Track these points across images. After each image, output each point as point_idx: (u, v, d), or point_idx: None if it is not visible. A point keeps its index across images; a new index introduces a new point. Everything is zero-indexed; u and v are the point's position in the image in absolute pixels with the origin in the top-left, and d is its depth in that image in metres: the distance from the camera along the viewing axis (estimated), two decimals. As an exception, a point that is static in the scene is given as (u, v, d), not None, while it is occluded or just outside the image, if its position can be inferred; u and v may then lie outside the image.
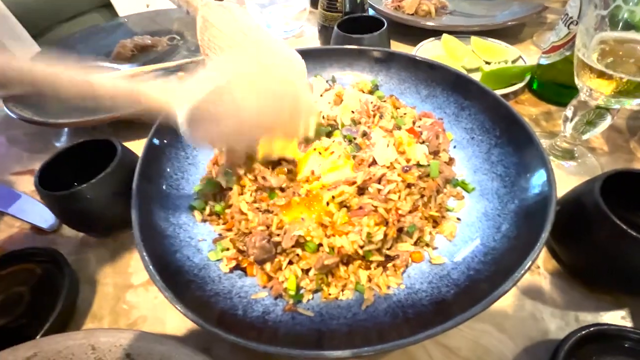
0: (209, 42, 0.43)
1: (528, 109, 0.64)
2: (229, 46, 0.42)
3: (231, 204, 0.43)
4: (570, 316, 0.38)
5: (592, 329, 0.33)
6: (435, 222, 0.42)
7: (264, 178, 0.41)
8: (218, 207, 0.45)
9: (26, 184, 0.60)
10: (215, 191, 0.47)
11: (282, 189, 0.41)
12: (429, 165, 0.43)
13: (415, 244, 0.40)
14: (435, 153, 0.47)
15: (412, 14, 0.87)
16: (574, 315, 0.38)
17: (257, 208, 0.42)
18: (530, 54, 0.74)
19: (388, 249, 0.38)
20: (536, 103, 0.65)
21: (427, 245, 0.40)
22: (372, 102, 0.49)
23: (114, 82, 0.32)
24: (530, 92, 0.67)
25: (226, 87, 0.34)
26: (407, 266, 0.38)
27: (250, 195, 0.42)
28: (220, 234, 0.43)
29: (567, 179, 0.51)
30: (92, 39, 0.88)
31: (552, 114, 0.63)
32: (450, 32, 0.76)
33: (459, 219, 0.44)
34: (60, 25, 1.11)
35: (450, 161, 0.49)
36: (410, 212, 0.39)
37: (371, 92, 0.58)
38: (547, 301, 0.40)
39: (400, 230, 0.39)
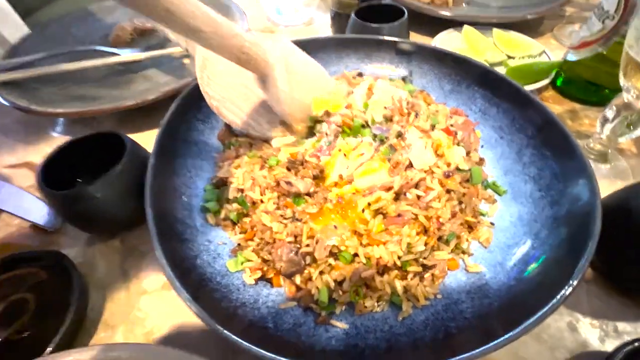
0: (208, 80, 0.45)
1: (552, 107, 0.62)
2: (228, 84, 0.46)
3: (249, 213, 0.40)
4: (609, 326, 0.37)
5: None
6: (470, 228, 0.40)
7: (288, 183, 0.38)
8: (233, 215, 0.42)
9: (23, 178, 0.56)
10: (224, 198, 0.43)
11: (309, 194, 0.38)
12: (469, 170, 0.40)
13: (452, 251, 0.38)
14: (467, 153, 0.45)
15: (429, 2, 0.83)
16: (612, 325, 0.37)
17: (282, 215, 0.39)
18: (551, 48, 0.71)
19: (424, 258, 0.36)
20: (560, 101, 0.63)
21: (464, 252, 0.38)
22: (405, 99, 0.46)
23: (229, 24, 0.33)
24: (553, 89, 0.65)
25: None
26: (444, 276, 0.37)
27: (273, 203, 0.39)
28: (239, 244, 0.40)
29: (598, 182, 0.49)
30: (87, 21, 0.82)
31: (578, 113, 0.61)
32: (468, 23, 0.73)
33: (492, 223, 0.42)
34: (50, 4, 1.03)
35: (481, 161, 0.47)
36: (449, 219, 0.37)
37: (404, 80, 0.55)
38: (584, 310, 0.38)
39: (439, 238, 0.37)
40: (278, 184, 0.40)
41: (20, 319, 0.38)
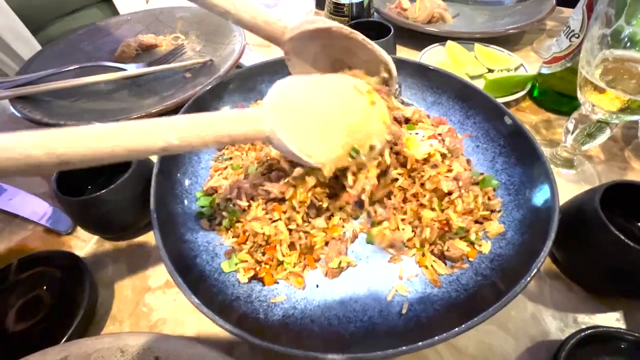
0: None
1: (529, 117, 0.67)
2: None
3: (241, 219, 0.45)
4: (569, 318, 0.41)
5: (590, 331, 0.35)
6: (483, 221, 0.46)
7: (266, 191, 0.43)
8: (226, 222, 0.45)
9: (36, 185, 0.60)
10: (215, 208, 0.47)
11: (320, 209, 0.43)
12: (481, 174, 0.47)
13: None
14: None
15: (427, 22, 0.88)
16: (572, 316, 0.41)
17: (270, 219, 0.43)
18: (530, 61, 0.76)
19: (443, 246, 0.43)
20: (536, 111, 0.68)
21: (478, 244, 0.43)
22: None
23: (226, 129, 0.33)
24: (530, 99, 0.69)
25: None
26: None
27: (262, 209, 0.44)
28: (232, 247, 0.44)
29: (566, 186, 0.53)
30: (95, 37, 0.88)
31: (552, 122, 0.65)
32: (453, 39, 0.78)
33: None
34: (59, 20, 1.09)
35: (468, 163, 0.51)
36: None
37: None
38: (547, 303, 0.42)
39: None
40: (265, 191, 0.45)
41: (38, 313, 0.42)
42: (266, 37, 0.43)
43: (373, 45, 0.43)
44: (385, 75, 0.44)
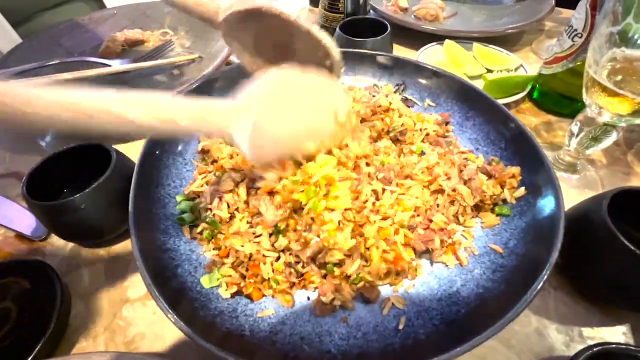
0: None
1: (529, 119, 0.65)
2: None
3: (222, 231, 0.41)
4: (575, 332, 0.39)
5: (599, 348, 0.33)
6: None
7: (259, 213, 0.40)
8: (207, 234, 0.42)
9: (10, 188, 0.56)
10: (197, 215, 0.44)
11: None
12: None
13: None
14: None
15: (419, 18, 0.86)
16: (578, 330, 0.39)
17: (254, 233, 0.40)
18: (529, 62, 0.74)
19: None
20: (536, 113, 0.66)
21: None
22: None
23: (180, 113, 0.32)
24: (530, 101, 0.67)
25: (259, 123, 0.35)
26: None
27: (246, 222, 0.41)
28: (213, 260, 0.40)
29: (568, 192, 0.51)
30: (78, 31, 0.84)
31: (552, 124, 0.63)
32: (450, 37, 0.76)
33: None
34: (43, 13, 1.04)
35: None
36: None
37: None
38: (551, 316, 0.40)
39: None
40: (248, 204, 0.41)
41: (2, 329, 0.38)
42: (200, 18, 0.41)
43: (307, 26, 0.39)
44: (327, 62, 0.40)
